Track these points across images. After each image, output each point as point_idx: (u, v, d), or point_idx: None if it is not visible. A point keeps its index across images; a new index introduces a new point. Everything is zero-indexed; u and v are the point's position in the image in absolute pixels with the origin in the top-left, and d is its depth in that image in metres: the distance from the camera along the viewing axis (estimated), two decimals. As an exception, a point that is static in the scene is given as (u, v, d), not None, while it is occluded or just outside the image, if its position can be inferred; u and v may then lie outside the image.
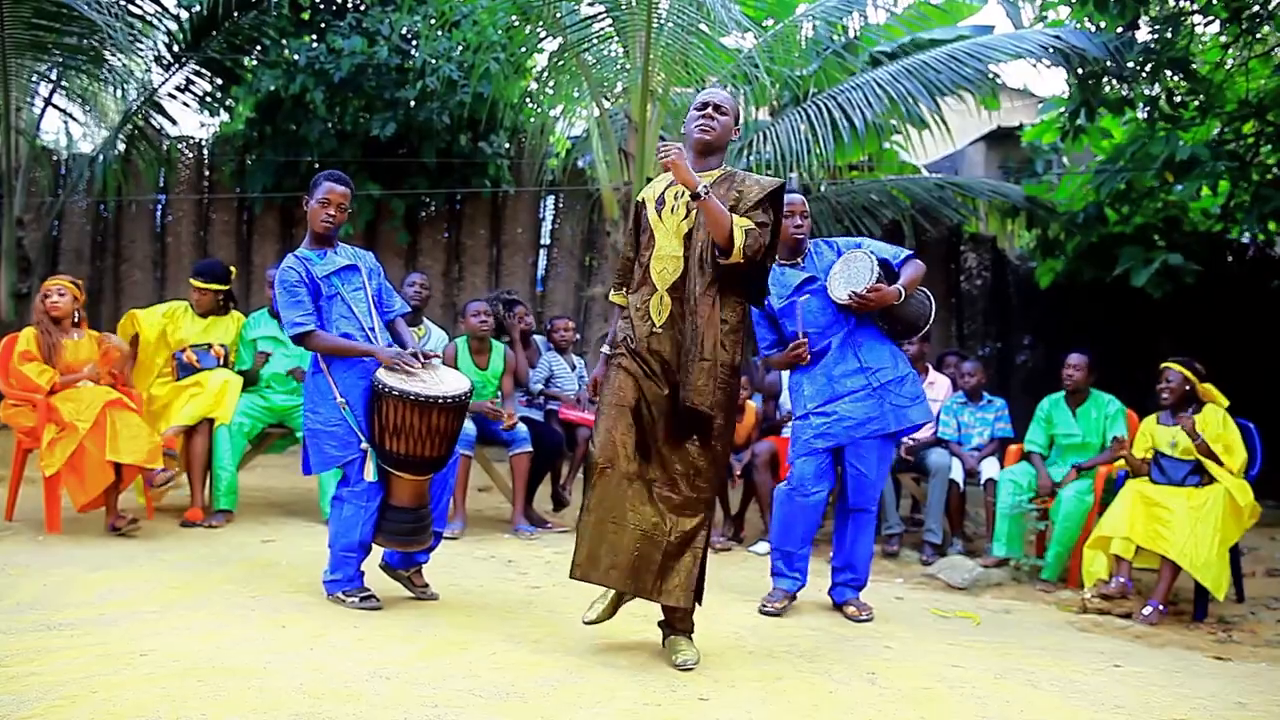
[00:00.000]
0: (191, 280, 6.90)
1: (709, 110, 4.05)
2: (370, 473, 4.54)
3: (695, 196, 3.77)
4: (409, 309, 5.08)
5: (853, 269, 4.98)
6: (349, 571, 4.62)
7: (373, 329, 4.70)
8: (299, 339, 4.63)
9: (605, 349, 4.12)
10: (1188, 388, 5.91)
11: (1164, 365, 6.03)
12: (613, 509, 3.85)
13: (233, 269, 7.11)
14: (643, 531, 3.85)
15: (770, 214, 3.96)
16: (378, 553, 4.80)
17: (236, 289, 10.71)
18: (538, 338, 7.65)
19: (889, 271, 5.02)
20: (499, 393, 7.02)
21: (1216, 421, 5.80)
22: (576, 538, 3.92)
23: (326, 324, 4.66)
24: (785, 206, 4.92)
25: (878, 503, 5.14)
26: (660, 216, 3.99)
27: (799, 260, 5.18)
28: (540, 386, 7.41)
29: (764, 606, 5.03)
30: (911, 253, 5.18)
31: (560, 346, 7.67)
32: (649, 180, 4.26)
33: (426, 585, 4.84)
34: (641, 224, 4.08)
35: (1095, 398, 6.71)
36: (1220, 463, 5.68)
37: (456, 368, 6.83)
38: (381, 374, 4.47)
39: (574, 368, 7.66)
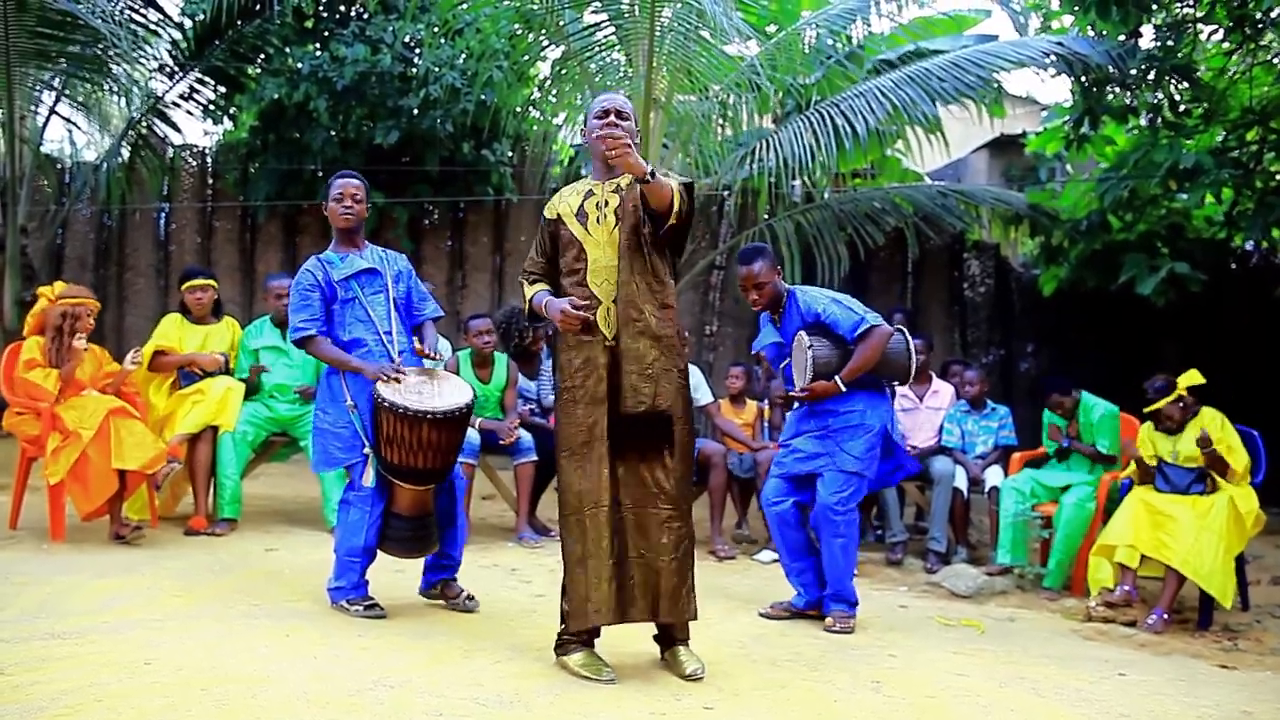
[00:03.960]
0: (192, 283, 6.89)
1: (611, 118, 3.91)
2: (368, 478, 4.56)
3: (645, 181, 3.72)
4: (441, 314, 5.05)
5: (798, 359, 5.06)
6: (353, 578, 4.62)
7: (389, 333, 4.70)
8: (300, 343, 4.70)
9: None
10: (1179, 404, 5.90)
11: (1148, 409, 6.00)
12: (609, 547, 3.79)
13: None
14: (644, 557, 3.82)
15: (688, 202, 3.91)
16: (386, 560, 4.79)
17: (239, 297, 10.84)
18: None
19: (844, 345, 5.05)
20: (501, 406, 7.03)
21: (1215, 425, 5.80)
22: (574, 586, 3.82)
23: (339, 328, 4.69)
24: (739, 278, 5.12)
25: (838, 522, 4.97)
26: (587, 229, 3.93)
27: (777, 314, 5.24)
28: (552, 398, 7.43)
29: (763, 609, 5.17)
30: (869, 324, 5.00)
31: None
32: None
33: (459, 594, 4.79)
34: (561, 240, 4.00)
35: (1082, 402, 6.72)
36: (1226, 474, 5.69)
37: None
38: (379, 384, 4.47)
39: None
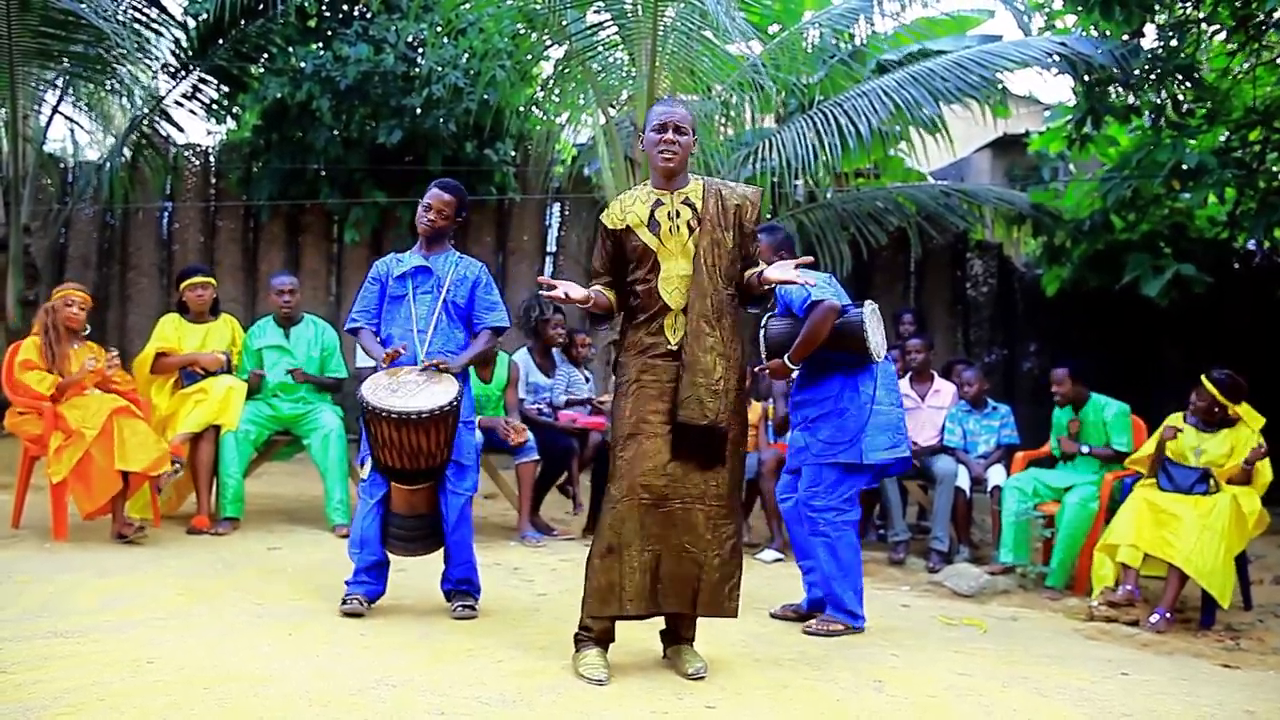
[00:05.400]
0: (191, 281, 6.87)
1: (669, 135, 3.92)
2: (364, 470, 4.65)
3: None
4: (505, 324, 4.98)
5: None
6: (355, 570, 4.68)
7: (423, 332, 4.72)
8: (350, 332, 4.91)
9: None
10: (1216, 409, 5.90)
11: (1201, 377, 5.99)
12: (651, 539, 3.84)
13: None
14: (689, 552, 3.86)
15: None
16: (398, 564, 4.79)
17: (243, 296, 10.84)
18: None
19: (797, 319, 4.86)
20: (504, 406, 7.03)
21: (1254, 439, 5.80)
22: (613, 575, 3.82)
23: (383, 323, 4.82)
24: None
25: (815, 520, 4.89)
26: (660, 239, 3.95)
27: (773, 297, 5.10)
28: (563, 398, 7.44)
29: (774, 610, 5.15)
30: (813, 300, 4.73)
31: (576, 359, 7.70)
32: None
33: (458, 607, 4.70)
34: (631, 249, 3.99)
35: (1093, 401, 6.71)
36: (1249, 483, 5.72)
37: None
38: (365, 383, 4.49)
39: (588, 380, 7.69)
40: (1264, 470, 5.77)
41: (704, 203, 3.98)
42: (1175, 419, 6.09)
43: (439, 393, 4.45)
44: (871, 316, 4.86)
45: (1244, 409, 5.94)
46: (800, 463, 5.02)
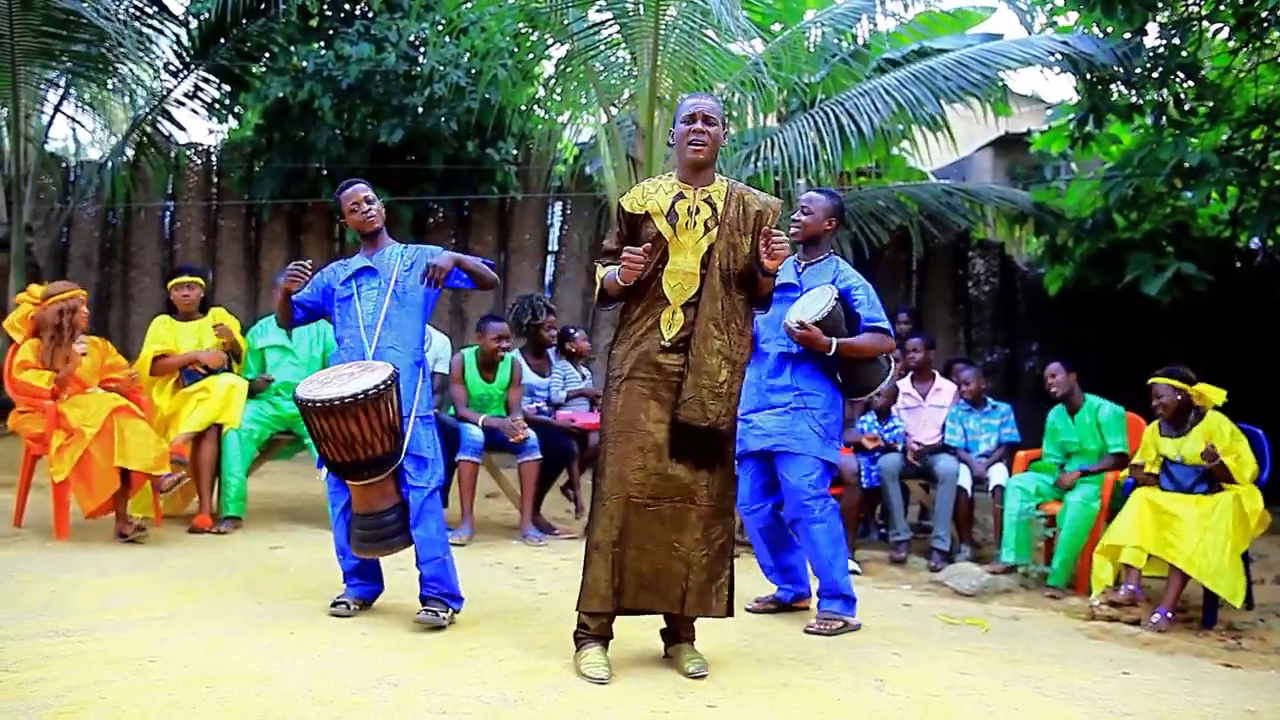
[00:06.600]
0: (178, 280, 6.85)
1: (698, 125, 3.90)
2: (323, 473, 4.66)
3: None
4: (445, 251, 4.90)
5: (812, 301, 4.89)
6: (344, 575, 4.70)
7: (371, 327, 4.67)
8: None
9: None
10: (1179, 397, 5.87)
11: (1150, 381, 5.96)
12: (639, 536, 3.84)
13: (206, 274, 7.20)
14: (677, 551, 3.86)
15: None
16: (390, 559, 4.77)
17: (245, 295, 10.85)
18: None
19: (853, 327, 4.92)
20: (506, 405, 7.03)
21: (1224, 433, 5.77)
22: (598, 570, 3.83)
23: (338, 326, 4.80)
24: (801, 199, 5.14)
25: (816, 510, 4.85)
26: (675, 231, 3.92)
27: (805, 262, 5.09)
28: (562, 396, 7.44)
29: (749, 605, 5.15)
30: (885, 326, 4.93)
31: (574, 356, 7.70)
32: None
33: (421, 612, 4.49)
34: (644, 236, 3.93)
35: (1088, 402, 6.71)
36: (1233, 480, 5.67)
37: (464, 380, 6.82)
38: (301, 382, 4.50)
39: (584, 378, 7.69)
40: (1244, 460, 5.74)
41: (725, 205, 3.95)
42: (1149, 434, 6.07)
43: (368, 379, 4.36)
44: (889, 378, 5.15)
45: (1205, 390, 5.90)
46: (774, 446, 4.89)
